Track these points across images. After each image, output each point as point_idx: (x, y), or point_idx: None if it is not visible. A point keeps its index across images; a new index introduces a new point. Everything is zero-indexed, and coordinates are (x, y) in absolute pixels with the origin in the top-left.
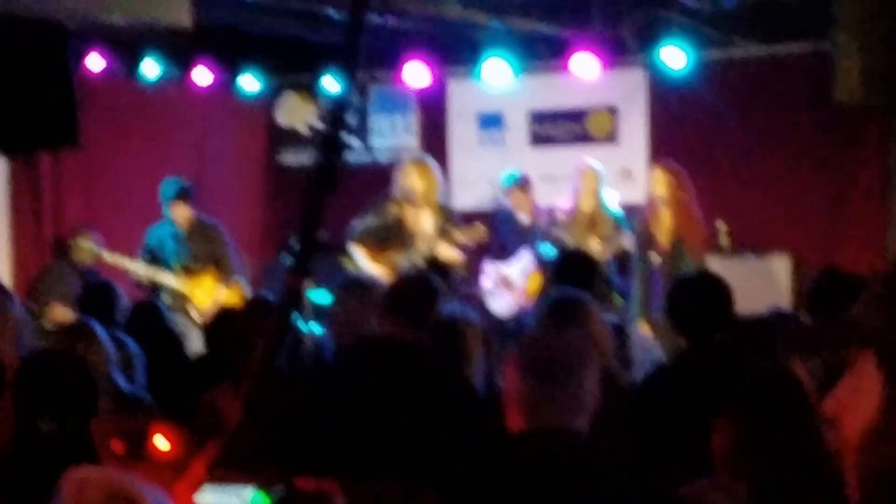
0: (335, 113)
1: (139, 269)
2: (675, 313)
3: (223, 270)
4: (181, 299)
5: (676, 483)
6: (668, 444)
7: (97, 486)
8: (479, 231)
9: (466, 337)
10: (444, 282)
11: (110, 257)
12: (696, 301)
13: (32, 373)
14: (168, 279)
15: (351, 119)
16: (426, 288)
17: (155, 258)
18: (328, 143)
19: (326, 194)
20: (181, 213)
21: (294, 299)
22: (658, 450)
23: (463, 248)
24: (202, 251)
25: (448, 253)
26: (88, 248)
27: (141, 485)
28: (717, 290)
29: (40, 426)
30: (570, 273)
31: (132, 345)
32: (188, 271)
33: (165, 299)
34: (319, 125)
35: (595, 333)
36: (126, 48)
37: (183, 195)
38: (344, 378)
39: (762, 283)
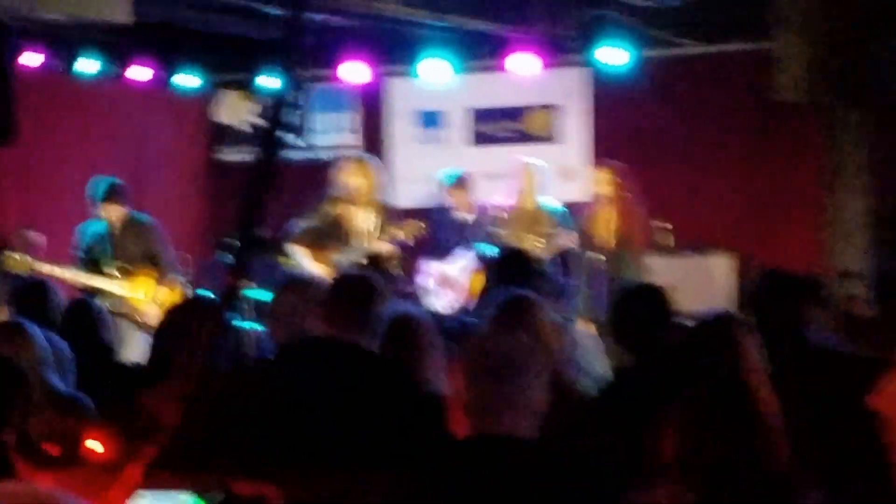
0: (274, 110)
1: (74, 276)
2: (617, 330)
3: (159, 268)
4: (119, 302)
5: (628, 490)
6: (617, 452)
7: (23, 501)
8: (417, 226)
9: (419, 335)
10: (383, 279)
11: (44, 268)
12: (635, 316)
13: None
14: (104, 283)
15: (290, 117)
16: (367, 287)
17: (89, 259)
18: (267, 140)
19: (265, 192)
20: (113, 213)
21: (232, 298)
22: (608, 457)
23: (401, 244)
24: (136, 249)
25: (386, 249)
26: (21, 259)
27: (70, 499)
28: (654, 301)
29: None
30: (511, 271)
31: (64, 345)
32: (124, 272)
33: (103, 302)
34: (258, 122)
35: (543, 334)
36: (63, 44)
37: (114, 194)
38: (283, 377)
39: (705, 282)
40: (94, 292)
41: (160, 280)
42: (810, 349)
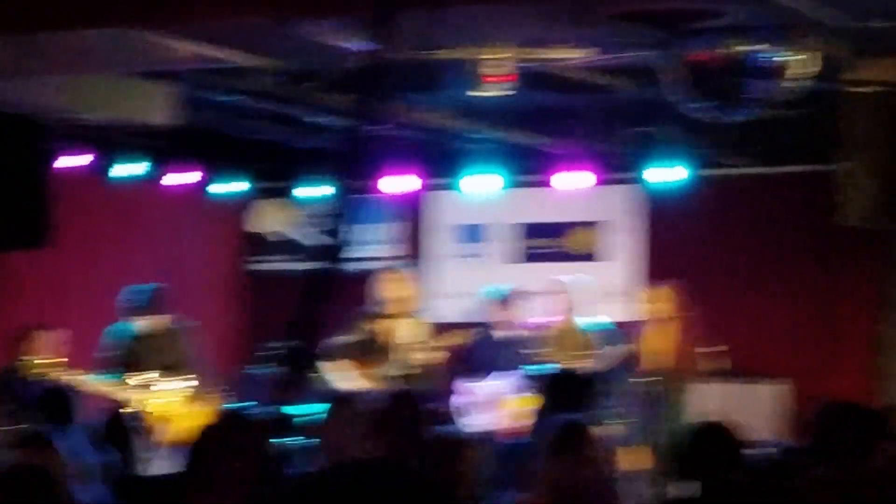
0: (328, 222)
1: (95, 386)
2: (686, 468)
3: (186, 374)
4: (139, 413)
5: None
6: None
7: None
8: (457, 337)
9: (464, 457)
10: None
11: (64, 375)
12: (706, 455)
13: None
14: (127, 394)
15: (346, 229)
16: (413, 407)
17: (114, 364)
18: (324, 252)
19: (318, 305)
20: (153, 322)
21: (279, 413)
22: None
23: (441, 357)
24: (165, 356)
25: (426, 361)
26: (41, 364)
27: None
28: (725, 440)
29: None
30: (565, 394)
31: (92, 455)
32: (149, 382)
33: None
34: (293, 232)
35: (598, 462)
36: (101, 146)
37: (155, 304)
38: (326, 500)
39: (753, 410)
40: (114, 401)
41: (188, 393)
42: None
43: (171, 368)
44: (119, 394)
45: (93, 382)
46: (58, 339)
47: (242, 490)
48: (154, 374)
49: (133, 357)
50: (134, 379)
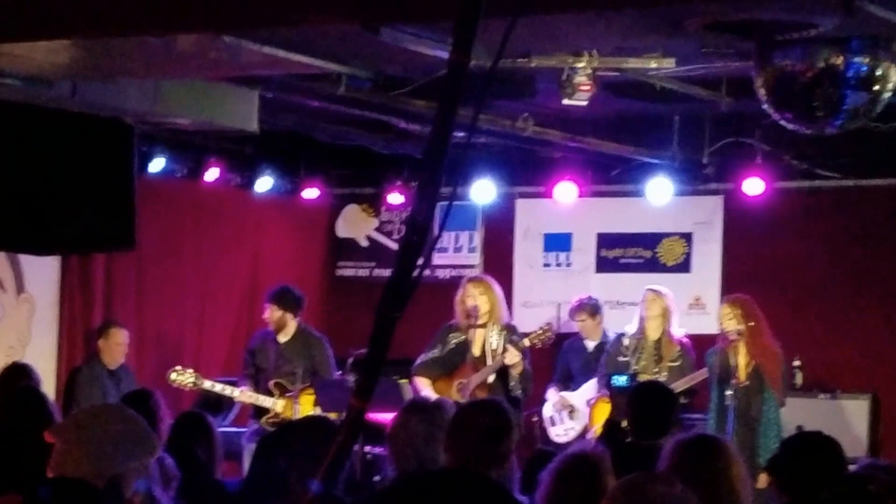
0: (414, 231)
1: (237, 395)
2: (781, 472)
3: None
4: (278, 420)
5: None
6: None
7: None
8: (548, 334)
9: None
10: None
11: (206, 384)
12: (802, 461)
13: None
14: (266, 402)
15: (430, 238)
16: (498, 417)
17: (252, 368)
18: (404, 262)
19: (397, 315)
20: (273, 317)
21: (357, 423)
22: None
23: (528, 352)
24: (299, 363)
25: (513, 361)
26: (189, 378)
27: None
28: (824, 450)
29: None
30: (651, 406)
31: (170, 461)
32: (286, 391)
33: (267, 420)
34: (378, 237)
35: (736, 480)
36: (189, 150)
37: (278, 298)
38: None
39: (838, 425)
40: (257, 408)
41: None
42: None
43: (303, 374)
44: (251, 400)
45: (229, 390)
46: (130, 336)
47: (312, 497)
48: (284, 381)
49: (267, 361)
50: (273, 384)
